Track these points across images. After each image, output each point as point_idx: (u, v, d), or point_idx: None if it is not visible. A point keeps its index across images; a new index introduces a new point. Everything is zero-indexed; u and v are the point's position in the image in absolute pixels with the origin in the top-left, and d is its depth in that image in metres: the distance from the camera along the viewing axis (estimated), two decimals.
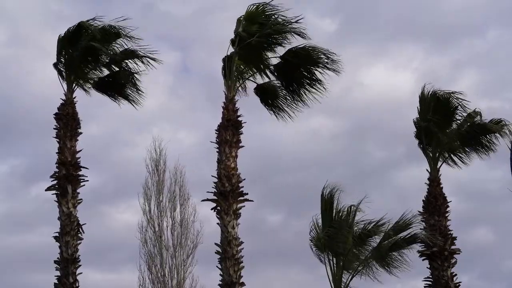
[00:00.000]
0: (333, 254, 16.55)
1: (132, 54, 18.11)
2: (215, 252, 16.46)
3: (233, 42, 17.64)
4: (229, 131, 17.00)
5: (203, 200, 16.99)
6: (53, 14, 41.81)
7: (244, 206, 16.80)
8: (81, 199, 17.30)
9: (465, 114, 19.65)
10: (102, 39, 17.70)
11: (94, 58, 18.22)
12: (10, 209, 39.18)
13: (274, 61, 18.06)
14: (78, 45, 17.64)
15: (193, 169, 31.16)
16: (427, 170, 19.50)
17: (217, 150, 17.05)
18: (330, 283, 16.57)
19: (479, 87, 39.43)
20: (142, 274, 28.46)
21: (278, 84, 18.43)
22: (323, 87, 18.07)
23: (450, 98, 19.51)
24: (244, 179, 16.87)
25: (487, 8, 43.60)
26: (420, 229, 17.60)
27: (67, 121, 17.48)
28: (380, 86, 41.34)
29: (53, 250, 16.97)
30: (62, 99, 17.70)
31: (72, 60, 17.82)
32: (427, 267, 18.81)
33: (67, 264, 16.67)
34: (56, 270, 16.83)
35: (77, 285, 16.73)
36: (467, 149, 19.92)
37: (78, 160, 17.42)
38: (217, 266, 16.46)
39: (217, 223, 16.65)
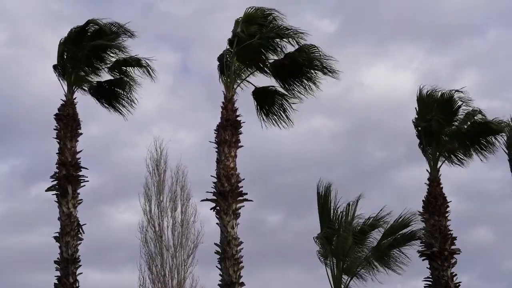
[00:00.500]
0: (333, 254, 16.58)
1: (134, 62, 18.19)
2: (215, 252, 16.47)
3: (231, 42, 17.68)
4: (228, 131, 17.02)
5: (202, 200, 17.04)
6: (53, 14, 41.93)
7: (243, 206, 16.82)
8: (81, 199, 17.36)
9: (469, 111, 19.65)
10: (109, 39, 17.78)
11: (99, 58, 18.27)
12: (10, 209, 39.28)
13: (273, 61, 18.09)
14: (84, 44, 17.72)
15: (193, 169, 31.14)
16: (427, 170, 19.50)
17: (216, 150, 17.07)
18: (330, 283, 16.60)
19: (479, 87, 39.50)
20: (142, 274, 28.52)
21: (275, 89, 18.45)
22: (320, 89, 18.15)
23: (453, 97, 19.54)
24: (244, 179, 16.90)
25: (487, 8, 43.69)
26: (420, 229, 17.66)
27: (68, 122, 17.51)
28: (380, 86, 41.42)
29: (53, 250, 17.03)
30: (63, 100, 17.74)
31: (75, 60, 17.84)
32: (427, 267, 18.80)
33: (67, 264, 16.69)
34: (56, 270, 16.86)
35: (77, 285, 16.75)
36: (467, 149, 19.93)
37: (78, 160, 17.45)
38: (216, 266, 16.49)
39: (217, 223, 16.67)
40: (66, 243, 16.79)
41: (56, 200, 17.19)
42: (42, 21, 41.79)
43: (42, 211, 32.77)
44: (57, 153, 17.41)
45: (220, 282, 16.34)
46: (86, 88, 18.76)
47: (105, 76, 18.70)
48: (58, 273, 16.80)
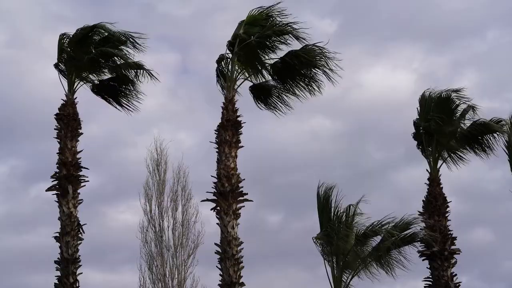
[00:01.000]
0: (334, 254, 16.60)
1: (138, 66, 18.20)
2: (215, 252, 16.48)
3: (231, 43, 17.70)
4: (229, 131, 17.04)
5: (203, 201, 17.06)
6: (53, 15, 41.92)
7: (243, 206, 16.83)
8: (82, 199, 17.36)
9: (464, 108, 19.69)
10: (113, 45, 17.82)
11: (104, 62, 18.29)
12: (10, 209, 39.23)
13: (272, 61, 18.11)
14: (90, 47, 17.78)
15: (194, 170, 31.17)
16: (427, 170, 19.51)
17: (217, 150, 17.08)
18: (330, 283, 16.61)
19: (479, 87, 39.48)
20: (142, 274, 28.52)
21: (274, 84, 18.48)
22: (320, 88, 18.14)
23: (451, 97, 19.57)
24: (244, 179, 16.91)
25: (486, 9, 43.67)
26: (420, 228, 17.67)
27: (68, 122, 17.51)
28: (380, 87, 41.41)
29: (53, 250, 17.04)
30: (63, 100, 17.74)
31: (78, 61, 17.85)
32: (427, 267, 18.82)
33: (67, 264, 16.70)
34: (56, 270, 16.86)
35: (77, 285, 16.76)
36: (467, 149, 19.94)
37: (79, 160, 17.46)
38: (217, 266, 16.50)
39: (217, 223, 16.68)
40: (66, 243, 16.79)
41: (56, 200, 17.20)
42: (42, 22, 41.85)
43: (42, 211, 32.81)
44: (57, 153, 17.42)
45: (220, 282, 16.35)
46: (88, 88, 18.77)
47: (107, 75, 18.67)
48: (58, 273, 16.80)
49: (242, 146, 17.19)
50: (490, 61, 42.75)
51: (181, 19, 43.00)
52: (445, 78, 41.17)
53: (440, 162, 19.60)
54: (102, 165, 36.42)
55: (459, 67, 43.08)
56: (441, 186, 19.33)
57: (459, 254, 18.86)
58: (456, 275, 18.71)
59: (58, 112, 17.63)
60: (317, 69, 17.77)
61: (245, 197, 16.83)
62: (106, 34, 17.86)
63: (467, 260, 20.52)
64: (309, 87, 18.12)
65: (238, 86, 18.02)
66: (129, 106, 18.96)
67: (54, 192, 17.23)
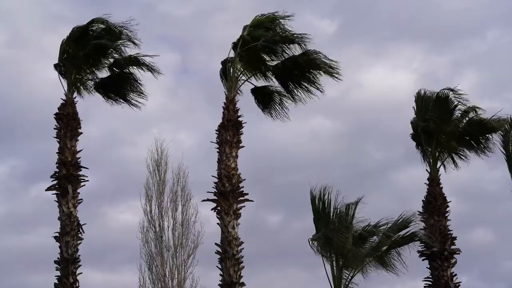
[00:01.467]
0: (333, 254, 16.60)
1: (137, 61, 18.17)
2: (215, 252, 16.48)
3: (235, 45, 17.72)
4: (230, 131, 17.05)
5: (203, 200, 17.07)
6: (53, 15, 41.91)
7: (244, 206, 16.84)
8: (81, 199, 17.35)
9: (465, 108, 19.68)
10: (110, 39, 17.78)
11: (102, 56, 18.24)
12: (10, 209, 39.20)
13: (275, 64, 18.12)
14: (87, 43, 17.70)
15: (194, 170, 31.16)
16: (426, 170, 19.52)
17: (218, 150, 17.08)
18: (330, 283, 16.62)
19: (479, 87, 39.45)
20: (142, 274, 28.52)
21: (275, 89, 18.51)
22: (321, 90, 18.17)
23: (449, 96, 19.57)
24: (244, 179, 16.92)
25: (486, 9, 43.68)
26: (420, 229, 17.68)
27: (68, 121, 17.51)
28: (380, 87, 41.38)
29: (53, 250, 17.02)
30: (63, 99, 17.74)
31: (76, 59, 17.83)
32: (427, 267, 18.83)
33: (67, 264, 16.69)
34: (56, 270, 16.86)
35: (77, 285, 16.75)
36: (466, 148, 19.94)
37: (79, 160, 17.45)
38: (217, 266, 16.50)
39: (217, 223, 16.68)
40: (66, 243, 16.79)
41: (56, 200, 17.19)
42: (42, 22, 41.82)
43: (42, 211, 32.73)
44: (57, 153, 17.41)
45: (220, 282, 16.35)
46: (89, 87, 18.72)
47: (107, 73, 18.65)
48: (58, 273, 16.79)
49: (243, 146, 17.21)
50: (490, 61, 42.77)
51: (181, 19, 42.99)
52: (445, 78, 41.25)
53: (439, 162, 19.59)
54: (102, 165, 36.42)
55: (459, 67, 43.11)
56: (441, 186, 19.34)
57: (459, 254, 18.88)
58: (456, 275, 18.72)
59: (57, 111, 17.62)
60: (319, 72, 17.79)
61: (246, 197, 16.84)
62: (104, 27, 17.73)
63: (467, 260, 20.54)
64: (309, 92, 18.17)
65: (240, 86, 18.04)
66: (132, 100, 18.86)
67: (54, 192, 17.22)
